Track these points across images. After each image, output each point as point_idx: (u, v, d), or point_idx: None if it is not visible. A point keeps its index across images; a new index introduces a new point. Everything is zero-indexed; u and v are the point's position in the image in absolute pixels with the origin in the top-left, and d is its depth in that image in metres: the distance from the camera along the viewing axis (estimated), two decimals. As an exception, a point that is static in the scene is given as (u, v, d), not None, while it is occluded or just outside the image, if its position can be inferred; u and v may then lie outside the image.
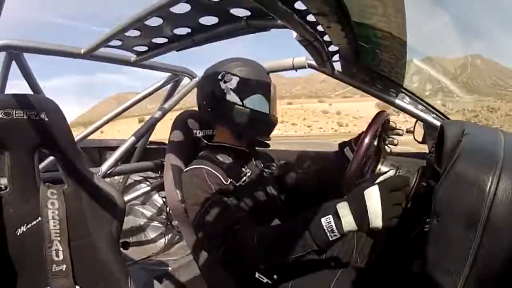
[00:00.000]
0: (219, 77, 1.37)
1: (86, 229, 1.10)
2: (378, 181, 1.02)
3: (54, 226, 1.02)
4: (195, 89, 1.58)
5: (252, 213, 1.34)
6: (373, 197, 0.97)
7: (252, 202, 1.36)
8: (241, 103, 1.36)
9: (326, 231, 1.01)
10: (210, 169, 1.31)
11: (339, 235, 1.01)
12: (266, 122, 1.45)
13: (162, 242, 2.91)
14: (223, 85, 1.36)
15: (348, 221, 0.99)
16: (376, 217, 0.96)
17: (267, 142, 1.50)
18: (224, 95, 1.36)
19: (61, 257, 1.01)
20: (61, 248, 1.01)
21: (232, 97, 1.36)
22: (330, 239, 1.01)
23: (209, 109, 1.40)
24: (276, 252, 1.08)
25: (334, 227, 1.00)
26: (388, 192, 0.97)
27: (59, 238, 1.02)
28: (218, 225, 1.18)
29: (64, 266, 1.01)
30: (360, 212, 0.98)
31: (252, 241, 1.10)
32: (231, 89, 1.36)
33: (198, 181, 1.30)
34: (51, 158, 1.59)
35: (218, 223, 1.18)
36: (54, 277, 0.98)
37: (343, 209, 1.00)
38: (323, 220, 1.02)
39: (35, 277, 0.97)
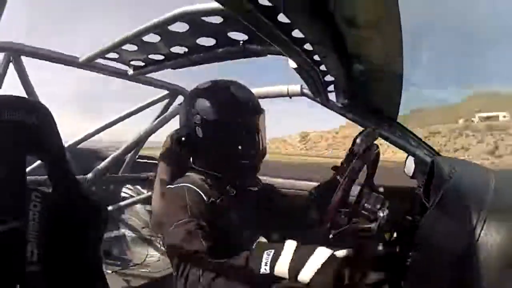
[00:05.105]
0: (193, 111, 1.32)
1: (67, 235, 1.07)
2: (340, 252, 1.03)
3: (33, 227, 1.00)
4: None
5: (238, 230, 1.31)
6: (319, 258, 0.98)
7: (237, 220, 1.33)
8: (208, 145, 1.32)
9: (262, 262, 1.01)
10: (192, 186, 1.28)
11: (268, 272, 1.00)
12: (237, 167, 1.38)
13: (143, 254, 2.87)
14: (192, 123, 1.32)
15: (283, 262, 0.99)
16: (306, 273, 0.96)
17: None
18: (193, 133, 1.32)
19: (35, 258, 0.99)
20: (36, 250, 0.99)
21: (200, 137, 1.32)
22: (259, 271, 1.01)
23: (184, 144, 1.37)
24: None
25: (269, 260, 1.01)
26: (336, 267, 0.98)
27: (36, 240, 1.00)
28: (179, 249, 1.15)
29: (38, 267, 0.99)
30: (298, 260, 0.99)
31: (198, 278, 1.10)
32: (199, 129, 1.31)
33: (177, 198, 1.26)
34: (39, 161, 1.57)
35: (181, 245, 1.15)
36: (27, 278, 0.97)
37: (289, 247, 1.02)
38: (266, 251, 1.03)
39: (7, 275, 0.94)
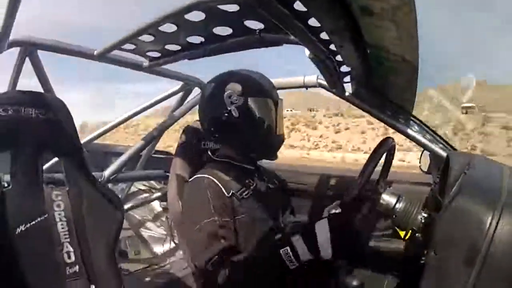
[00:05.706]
0: (223, 96, 1.32)
1: (83, 234, 1.07)
2: (327, 213, 1.19)
3: (62, 228, 1.01)
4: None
5: (255, 225, 1.32)
6: (322, 230, 1.07)
7: (255, 214, 1.33)
8: (244, 124, 1.33)
9: (286, 261, 1.08)
10: (213, 179, 1.29)
11: (297, 264, 1.08)
12: (271, 143, 1.42)
13: (160, 253, 2.86)
14: (226, 104, 1.32)
15: (303, 252, 1.07)
16: (325, 249, 1.06)
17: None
18: (227, 115, 1.32)
19: (72, 258, 1.00)
20: (71, 249, 1.01)
21: (236, 117, 1.32)
22: (290, 267, 1.08)
23: (212, 127, 1.38)
24: None
25: (292, 257, 1.07)
26: (338, 224, 1.08)
27: (68, 240, 1.01)
28: (205, 250, 1.19)
29: (77, 267, 1.00)
30: (311, 243, 1.07)
31: (224, 276, 1.15)
32: (235, 109, 1.31)
33: (198, 194, 1.28)
34: (55, 159, 1.57)
35: (207, 246, 1.19)
36: (70, 280, 0.98)
37: (297, 241, 1.08)
38: (281, 251, 1.08)
39: (50, 281, 0.96)
